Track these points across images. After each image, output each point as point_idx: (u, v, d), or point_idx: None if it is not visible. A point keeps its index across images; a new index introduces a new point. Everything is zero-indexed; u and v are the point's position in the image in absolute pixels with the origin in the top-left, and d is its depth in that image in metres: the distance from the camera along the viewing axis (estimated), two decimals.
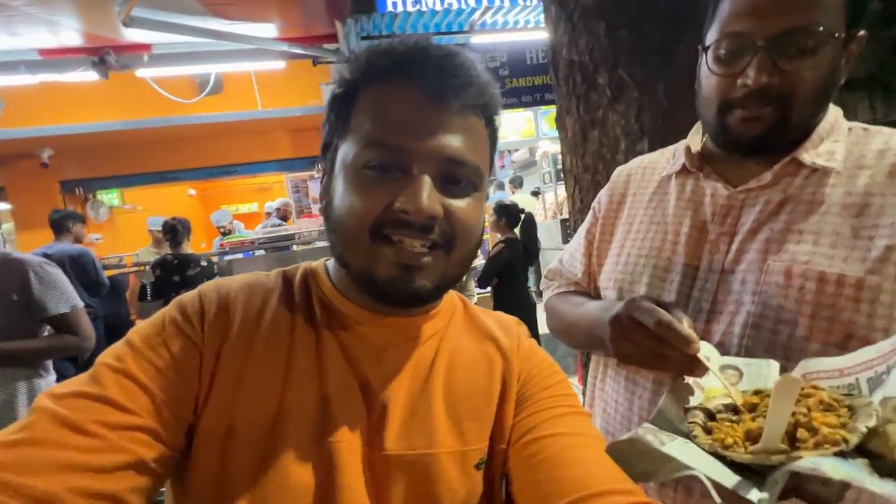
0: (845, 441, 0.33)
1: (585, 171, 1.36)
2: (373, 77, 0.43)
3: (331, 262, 0.50)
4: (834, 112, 0.59)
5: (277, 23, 2.92)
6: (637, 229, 0.70)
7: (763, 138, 0.55)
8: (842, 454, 0.33)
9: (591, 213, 0.80)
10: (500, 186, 5.54)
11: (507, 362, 0.50)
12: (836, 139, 0.57)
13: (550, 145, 4.91)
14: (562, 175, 1.63)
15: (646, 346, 0.50)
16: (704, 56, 0.57)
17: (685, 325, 0.47)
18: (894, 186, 0.51)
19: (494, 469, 0.47)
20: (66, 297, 1.50)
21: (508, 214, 2.83)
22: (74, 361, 2.45)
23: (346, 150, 0.42)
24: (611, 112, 1.25)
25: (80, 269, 2.83)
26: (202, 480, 0.40)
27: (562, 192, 4.65)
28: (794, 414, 0.36)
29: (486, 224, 3.57)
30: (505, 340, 0.51)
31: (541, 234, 3.54)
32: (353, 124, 0.43)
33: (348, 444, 0.41)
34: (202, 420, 0.40)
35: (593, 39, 1.24)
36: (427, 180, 0.40)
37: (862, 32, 0.54)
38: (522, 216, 2.92)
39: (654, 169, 0.73)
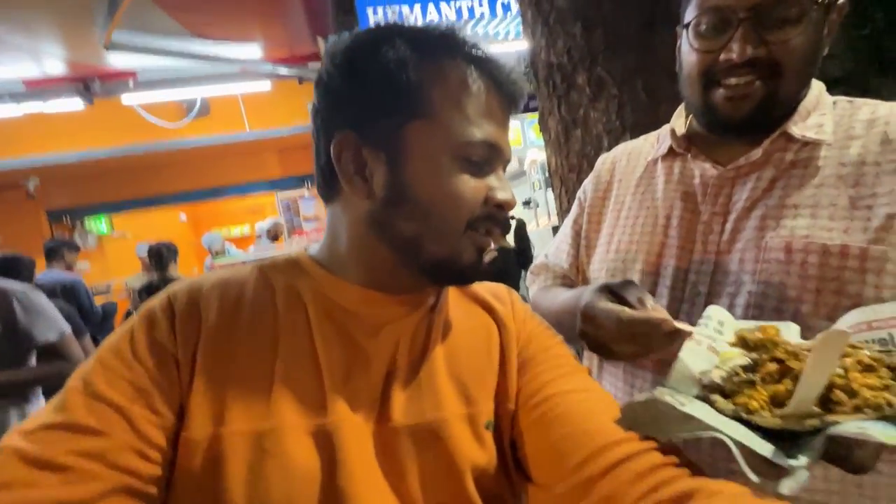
0: (889, 405, 0.31)
1: (570, 170, 1.36)
2: (448, 54, 0.43)
3: (313, 249, 0.48)
4: (817, 86, 0.58)
5: (261, 43, 2.95)
6: (626, 216, 0.69)
7: (751, 117, 0.54)
8: (885, 418, 0.30)
9: (576, 203, 0.79)
10: None
11: (504, 326, 0.50)
12: (823, 112, 0.56)
13: (539, 154, 4.95)
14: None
15: (617, 343, 0.49)
16: (685, 34, 0.57)
17: (649, 308, 0.46)
18: (888, 154, 0.51)
19: (503, 433, 0.46)
20: (52, 324, 1.46)
21: None
22: None
23: (436, 135, 0.41)
24: (592, 110, 1.25)
25: (74, 298, 2.79)
26: (195, 484, 0.37)
27: (552, 199, 4.67)
28: None
29: None
30: (499, 306, 0.52)
31: (534, 242, 3.54)
32: (433, 104, 0.41)
33: (351, 422, 0.40)
34: (190, 424, 0.38)
35: (570, 40, 1.25)
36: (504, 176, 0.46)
37: (842, 0, 0.53)
38: (512, 223, 2.92)
39: (639, 154, 0.72)
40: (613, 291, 0.50)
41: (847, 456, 0.34)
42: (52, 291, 2.74)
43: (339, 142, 0.42)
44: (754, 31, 0.51)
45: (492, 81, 0.44)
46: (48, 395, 1.56)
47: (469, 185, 0.42)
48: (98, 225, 5.18)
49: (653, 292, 0.61)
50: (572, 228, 0.77)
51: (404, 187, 0.42)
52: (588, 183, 0.77)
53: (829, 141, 0.54)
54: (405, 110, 0.41)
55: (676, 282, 0.59)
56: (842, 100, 0.58)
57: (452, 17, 3.03)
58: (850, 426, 0.30)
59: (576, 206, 0.78)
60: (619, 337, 0.48)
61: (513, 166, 6.55)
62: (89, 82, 3.46)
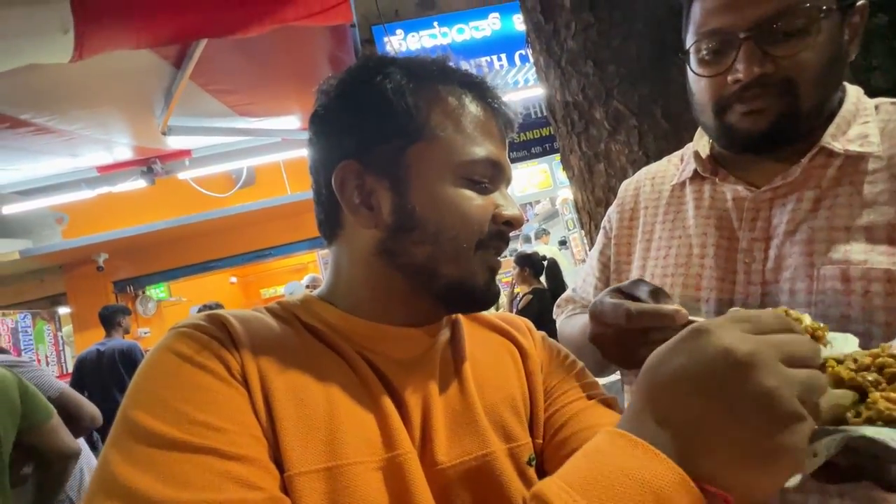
0: None
1: (598, 204, 1.33)
2: (443, 79, 0.43)
3: (323, 291, 0.46)
4: (855, 92, 0.54)
5: (298, 114, 3.21)
6: (657, 246, 0.64)
7: (772, 132, 0.51)
8: None
9: (601, 233, 0.76)
10: (527, 240, 5.52)
11: (526, 354, 0.48)
12: (866, 120, 0.52)
13: (570, 193, 4.93)
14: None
15: (631, 345, 0.45)
16: (687, 61, 0.55)
17: (662, 301, 0.44)
18: None
19: (543, 466, 0.44)
20: (48, 384, 1.47)
21: (531, 264, 2.78)
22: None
23: (438, 156, 0.41)
24: (612, 143, 1.24)
25: (131, 362, 2.95)
26: None
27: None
28: None
29: (510, 279, 3.50)
30: (517, 334, 0.50)
31: (570, 281, 3.44)
32: (434, 127, 0.41)
33: (413, 456, 0.38)
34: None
35: (583, 79, 1.27)
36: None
37: (861, 2, 0.50)
38: (545, 263, 2.86)
39: (663, 178, 0.69)
40: (623, 290, 0.47)
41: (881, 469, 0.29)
42: (111, 358, 2.92)
43: (341, 172, 0.41)
44: (758, 48, 0.48)
45: (486, 103, 0.44)
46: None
47: (476, 204, 0.42)
48: (157, 292, 5.55)
49: None
50: (599, 260, 0.73)
51: (412, 212, 0.41)
52: (612, 211, 0.75)
53: (876, 152, 0.49)
54: (406, 134, 0.41)
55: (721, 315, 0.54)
56: (884, 102, 0.53)
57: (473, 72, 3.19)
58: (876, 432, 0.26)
59: (601, 237, 0.75)
60: (631, 335, 0.45)
61: (546, 207, 6.56)
62: (151, 164, 3.85)
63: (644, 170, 0.74)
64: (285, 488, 0.33)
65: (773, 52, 0.48)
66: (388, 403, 0.39)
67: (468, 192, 0.42)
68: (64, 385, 1.56)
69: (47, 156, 2.93)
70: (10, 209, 3.96)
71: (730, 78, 0.50)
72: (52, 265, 4.89)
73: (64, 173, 3.63)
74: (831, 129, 0.51)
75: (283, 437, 0.34)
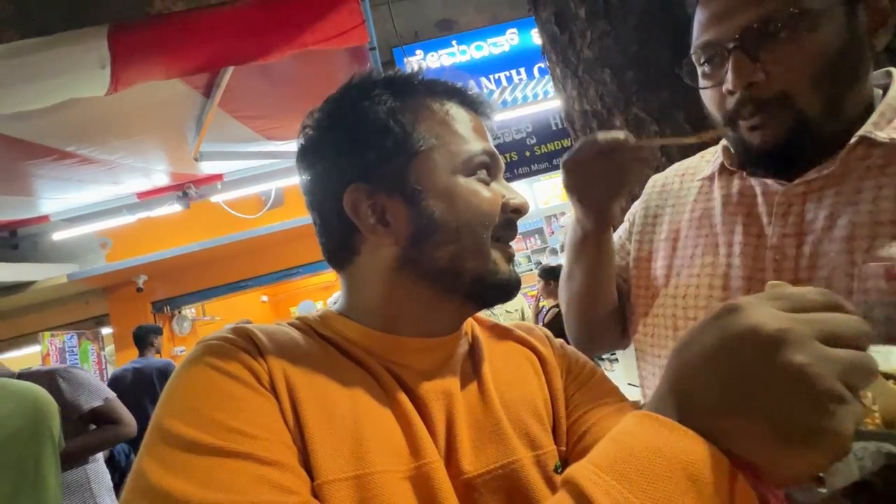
0: None
1: (621, 213, 1.29)
2: (427, 92, 0.45)
3: (340, 307, 0.47)
4: None
5: None
6: (684, 245, 0.61)
7: (785, 147, 0.48)
8: None
9: (624, 224, 0.74)
10: (554, 252, 5.43)
11: (545, 361, 0.49)
12: None
13: None
14: None
15: (602, 168, 0.53)
16: (693, 73, 0.55)
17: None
18: None
19: None
20: (94, 391, 1.62)
21: (556, 277, 2.72)
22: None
23: (442, 160, 0.43)
24: None
25: (166, 380, 3.04)
26: None
27: None
28: None
29: (535, 293, 3.43)
30: (536, 342, 0.50)
31: None
32: (428, 136, 0.43)
33: (440, 466, 0.37)
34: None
35: (601, 87, 1.25)
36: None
37: None
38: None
39: (693, 174, 0.66)
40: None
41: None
42: (149, 377, 3.02)
43: (351, 196, 0.43)
44: (746, 57, 0.47)
45: (468, 105, 0.47)
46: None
47: (486, 195, 0.44)
48: (192, 312, 5.74)
49: None
50: (617, 254, 0.71)
51: (430, 218, 0.42)
52: (637, 206, 0.72)
53: None
54: (405, 151, 0.42)
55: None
56: None
57: (493, 87, 3.22)
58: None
59: (624, 227, 0.74)
60: (590, 160, 0.52)
61: (570, 219, 6.47)
62: (186, 189, 4.03)
63: (675, 165, 0.72)
64: (315, 497, 0.33)
65: (764, 57, 0.46)
66: (412, 413, 0.39)
67: (476, 185, 0.43)
68: (111, 392, 1.69)
69: (91, 184, 3.11)
70: (59, 236, 4.22)
71: (724, 88, 0.49)
72: (97, 287, 5.15)
73: (107, 200, 3.84)
74: (874, 117, 0.47)
75: (312, 445, 0.34)
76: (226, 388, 0.35)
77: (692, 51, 0.53)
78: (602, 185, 0.56)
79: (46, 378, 1.62)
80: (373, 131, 0.42)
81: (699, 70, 0.54)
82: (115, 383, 3.00)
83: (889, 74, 0.52)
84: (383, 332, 0.43)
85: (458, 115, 0.45)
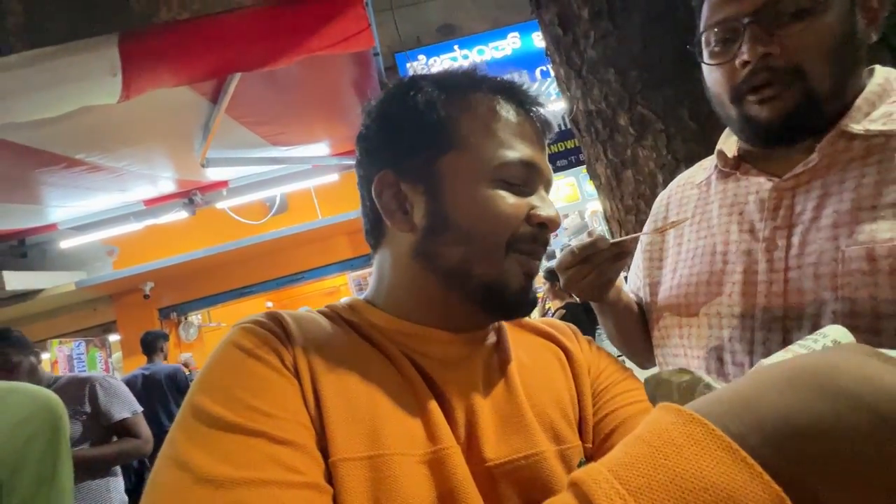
0: None
1: (627, 212, 1.30)
2: (473, 87, 0.44)
3: (368, 295, 0.48)
4: (882, 74, 0.52)
5: (328, 141, 3.32)
6: (686, 248, 0.64)
7: (791, 120, 0.50)
8: None
9: (638, 246, 0.76)
10: (550, 256, 5.44)
11: (573, 358, 0.48)
12: (894, 100, 0.50)
13: (598, 205, 4.84)
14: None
15: (584, 274, 0.57)
16: (700, 57, 0.56)
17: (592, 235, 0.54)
18: None
19: None
20: (126, 403, 1.68)
21: None
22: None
23: (470, 163, 0.42)
24: (639, 149, 1.21)
25: (176, 385, 3.06)
26: None
27: None
28: None
29: (541, 295, 3.43)
30: (563, 339, 0.50)
31: None
32: (465, 135, 0.42)
33: (457, 451, 0.37)
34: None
35: (605, 86, 1.26)
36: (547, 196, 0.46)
37: None
38: None
39: (692, 182, 0.69)
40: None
41: None
42: (159, 382, 3.03)
43: (379, 181, 0.44)
44: (762, 30, 0.48)
45: (520, 106, 0.45)
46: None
47: (508, 203, 0.42)
48: (198, 318, 5.77)
49: (722, 327, 0.55)
50: (640, 267, 0.74)
51: (445, 215, 0.42)
52: (647, 225, 0.75)
53: None
54: (438, 144, 0.43)
55: (746, 312, 0.52)
56: None
57: None
58: None
59: (642, 243, 0.77)
60: (575, 269, 0.56)
61: (575, 220, 6.46)
62: (192, 195, 4.06)
63: (676, 179, 0.74)
64: (330, 475, 0.34)
65: (778, 32, 0.48)
66: (430, 400, 0.39)
67: (502, 193, 0.42)
68: (140, 407, 1.73)
69: (99, 192, 3.14)
70: (66, 244, 4.26)
71: (737, 62, 0.50)
72: (104, 295, 5.18)
73: (114, 208, 3.87)
74: (852, 111, 0.50)
75: (330, 425, 0.35)
76: (251, 369, 0.36)
77: (702, 30, 0.54)
78: (588, 283, 0.60)
79: (84, 384, 1.66)
80: (409, 122, 0.43)
81: (707, 50, 0.55)
82: None
83: (872, 72, 0.54)
84: (405, 320, 0.44)
85: (504, 115, 0.44)
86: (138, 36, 1.39)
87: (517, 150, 0.43)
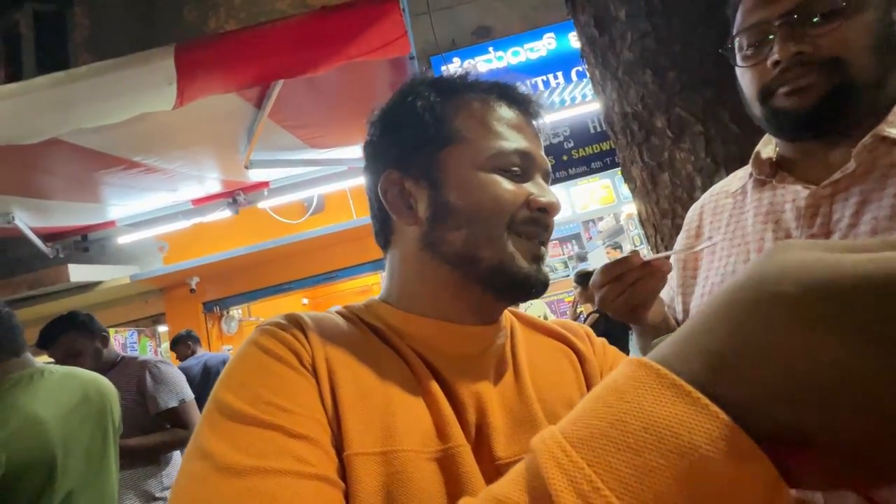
0: None
1: (663, 216, 1.27)
2: (468, 88, 0.48)
3: (382, 294, 0.50)
4: None
5: (361, 143, 3.42)
6: (719, 256, 0.63)
7: (821, 111, 0.49)
8: None
9: (673, 272, 0.75)
10: (581, 258, 5.34)
11: (584, 359, 0.49)
12: None
13: (634, 207, 4.71)
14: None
15: (616, 293, 0.55)
16: (733, 60, 0.56)
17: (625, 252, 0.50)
18: None
19: None
20: (175, 391, 1.65)
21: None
22: None
23: (468, 153, 0.45)
24: (677, 151, 1.19)
25: (206, 376, 3.21)
26: None
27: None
28: None
29: (571, 299, 3.36)
30: (575, 339, 0.51)
31: None
32: (461, 130, 0.45)
33: (467, 449, 0.39)
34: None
35: (642, 88, 1.23)
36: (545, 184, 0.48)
37: None
38: None
39: (727, 192, 0.67)
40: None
41: None
42: (215, 368, 3.20)
43: (384, 180, 0.47)
44: (794, 30, 0.48)
45: (512, 101, 0.48)
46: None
47: (507, 188, 0.44)
48: (239, 312, 6.03)
49: None
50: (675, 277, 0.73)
51: (446, 201, 0.45)
52: (680, 236, 0.74)
53: None
54: (437, 140, 0.45)
55: None
56: None
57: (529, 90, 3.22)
58: None
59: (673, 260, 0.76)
60: (607, 287, 0.55)
61: (609, 223, 6.31)
62: (236, 195, 4.26)
63: (709, 190, 0.73)
64: (344, 470, 0.36)
65: (811, 32, 0.47)
66: (441, 398, 0.41)
67: (499, 178, 0.45)
68: (190, 395, 1.71)
69: (152, 192, 3.36)
70: (123, 240, 4.56)
71: (769, 62, 0.50)
72: (155, 288, 5.51)
73: (165, 206, 4.13)
74: (889, 116, 0.48)
75: (345, 421, 0.37)
76: (271, 367, 0.38)
77: (735, 34, 0.54)
78: (622, 303, 0.58)
79: (139, 367, 1.68)
80: (409, 123, 0.46)
81: (740, 54, 0.55)
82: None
83: None
84: (420, 316, 0.45)
85: (499, 112, 0.46)
86: (192, 46, 1.49)
87: (513, 141, 0.45)
